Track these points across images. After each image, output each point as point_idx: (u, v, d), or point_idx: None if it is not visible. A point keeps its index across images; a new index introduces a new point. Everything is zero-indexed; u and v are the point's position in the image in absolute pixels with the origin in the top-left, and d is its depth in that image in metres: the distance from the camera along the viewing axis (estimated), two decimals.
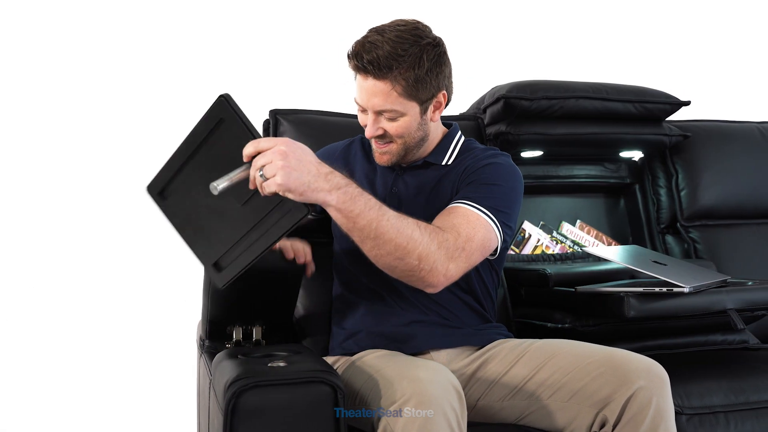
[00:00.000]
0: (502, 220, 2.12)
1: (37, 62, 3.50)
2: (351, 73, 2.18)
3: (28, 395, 3.42)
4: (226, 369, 1.82)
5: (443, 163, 2.30)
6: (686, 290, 2.18)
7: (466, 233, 2.02)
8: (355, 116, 2.80)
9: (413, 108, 2.14)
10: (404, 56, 2.08)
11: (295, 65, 3.71)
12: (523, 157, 3.09)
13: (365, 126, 2.19)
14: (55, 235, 3.48)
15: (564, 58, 4.00)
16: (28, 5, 3.50)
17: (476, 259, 2.07)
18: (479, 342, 2.23)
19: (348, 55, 2.13)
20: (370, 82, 2.10)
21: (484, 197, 2.12)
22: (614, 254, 2.43)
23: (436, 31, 2.22)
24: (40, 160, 3.49)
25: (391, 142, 2.19)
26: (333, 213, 1.87)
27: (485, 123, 3.02)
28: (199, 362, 2.38)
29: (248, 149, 1.78)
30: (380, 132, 2.16)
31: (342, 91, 3.48)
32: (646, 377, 1.87)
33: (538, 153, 3.09)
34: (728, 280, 2.49)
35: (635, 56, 4.12)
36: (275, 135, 2.71)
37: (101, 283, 3.50)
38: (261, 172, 1.75)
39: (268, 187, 1.75)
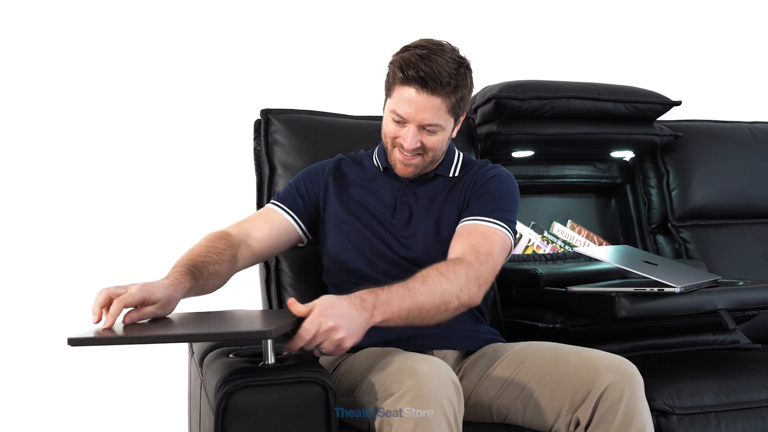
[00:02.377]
0: (512, 228, 2.27)
1: (31, 64, 3.50)
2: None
3: (19, 395, 3.41)
4: (217, 369, 1.82)
5: (450, 175, 2.37)
6: (677, 290, 2.18)
7: (486, 249, 2.14)
8: (346, 116, 2.81)
9: (450, 124, 2.24)
10: (458, 76, 2.17)
11: (286, 65, 3.71)
12: (514, 157, 3.09)
13: (394, 137, 2.23)
14: (46, 234, 3.48)
15: (555, 58, 4.00)
16: (24, 8, 3.49)
17: (500, 263, 2.20)
18: (476, 345, 2.26)
19: (399, 66, 2.16)
20: (424, 97, 2.14)
21: (496, 209, 2.25)
22: (605, 254, 2.42)
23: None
24: (29, 163, 3.48)
25: (420, 155, 2.24)
26: (379, 324, 1.89)
27: (476, 123, 3.02)
28: (190, 362, 2.38)
29: (297, 345, 1.77)
30: (418, 145, 2.20)
31: (334, 92, 3.50)
32: (615, 374, 1.89)
33: (529, 153, 3.09)
34: (719, 280, 2.49)
35: (626, 56, 4.13)
36: (266, 134, 2.71)
37: (92, 283, 3.48)
38: (321, 348, 1.79)
39: (337, 352, 1.81)
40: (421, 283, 1.95)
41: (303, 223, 2.36)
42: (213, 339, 1.76)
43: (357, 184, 2.38)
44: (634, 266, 2.28)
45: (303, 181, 2.40)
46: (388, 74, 2.23)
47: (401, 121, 2.19)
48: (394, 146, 2.25)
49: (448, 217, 2.30)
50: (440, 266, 2.02)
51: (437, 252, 2.20)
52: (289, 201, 2.37)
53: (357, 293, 1.85)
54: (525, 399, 2.02)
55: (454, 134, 2.32)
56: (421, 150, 2.22)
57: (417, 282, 1.95)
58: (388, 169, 2.36)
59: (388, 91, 2.23)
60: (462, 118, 2.30)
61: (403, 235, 2.29)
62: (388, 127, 2.23)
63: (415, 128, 2.18)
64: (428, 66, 2.12)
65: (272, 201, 2.39)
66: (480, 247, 2.13)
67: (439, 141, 2.22)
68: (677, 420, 2.20)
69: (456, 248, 2.16)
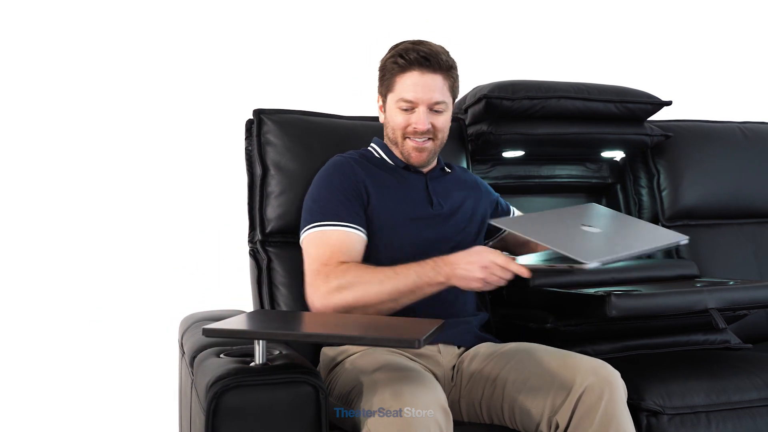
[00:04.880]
0: None
1: (27, 65, 3.50)
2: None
3: (9, 396, 3.40)
4: (208, 369, 1.82)
5: (448, 170, 2.52)
6: (588, 266, 1.89)
7: None
8: (339, 117, 2.81)
9: (451, 104, 2.36)
10: (450, 58, 2.34)
11: (279, 65, 3.71)
12: (504, 157, 3.09)
13: (404, 126, 2.33)
14: (36, 235, 3.47)
15: (546, 58, 4.01)
16: (24, 8, 3.49)
17: None
18: (472, 342, 2.29)
19: (398, 54, 2.29)
20: (428, 76, 2.28)
21: None
22: (514, 224, 2.26)
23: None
24: (20, 163, 3.48)
25: (431, 139, 2.34)
26: None
27: (466, 123, 3.02)
28: (181, 362, 2.37)
29: None
30: (429, 126, 2.30)
31: (327, 92, 3.50)
32: (594, 376, 1.91)
33: (519, 153, 3.09)
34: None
35: (617, 56, 4.13)
36: (258, 134, 2.70)
37: (83, 283, 3.48)
38: None
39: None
40: None
41: (366, 232, 2.29)
42: (365, 342, 1.82)
43: (386, 183, 2.37)
44: (548, 237, 2.05)
45: (346, 189, 2.30)
46: (383, 72, 2.34)
47: (410, 107, 2.29)
48: (405, 137, 2.34)
49: (476, 207, 2.47)
50: None
51: (477, 236, 2.45)
52: (356, 219, 2.27)
53: None
54: (511, 399, 2.03)
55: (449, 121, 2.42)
56: (432, 133, 2.33)
57: None
58: (408, 166, 2.42)
59: (389, 86, 2.33)
60: (452, 106, 2.42)
61: (448, 222, 2.37)
62: (397, 119, 2.32)
63: (425, 109, 2.29)
64: (426, 47, 2.28)
65: (342, 224, 2.25)
66: None
67: (446, 121, 2.37)
68: (668, 420, 2.20)
69: None
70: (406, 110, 2.30)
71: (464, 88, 3.07)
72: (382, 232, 2.31)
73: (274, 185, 2.65)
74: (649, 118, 3.18)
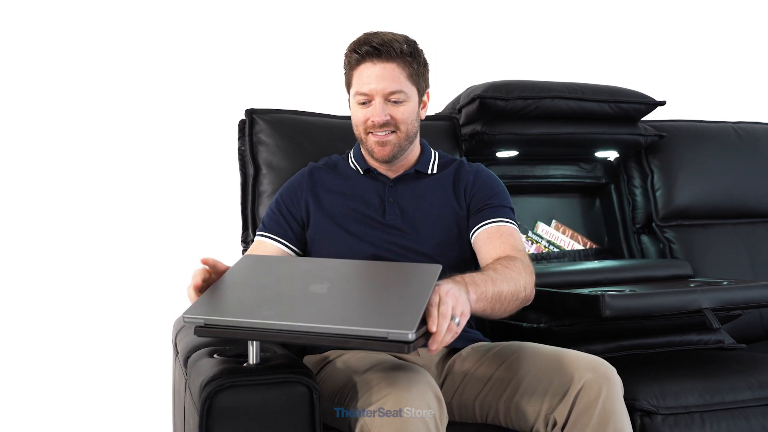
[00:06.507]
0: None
1: (26, 66, 3.49)
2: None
3: (4, 396, 3.39)
4: (202, 369, 1.82)
5: (429, 172, 2.40)
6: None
7: (521, 245, 2.26)
8: (331, 116, 2.81)
9: (415, 94, 2.29)
10: (406, 46, 2.24)
11: (271, 65, 3.70)
12: (498, 157, 3.09)
13: (364, 120, 2.26)
14: (32, 235, 3.46)
15: (539, 58, 4.01)
16: (24, 8, 3.48)
17: None
18: (461, 344, 2.25)
19: (352, 49, 2.25)
20: (380, 66, 2.22)
21: (506, 209, 2.35)
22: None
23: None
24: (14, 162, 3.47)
25: (394, 131, 2.27)
26: (472, 305, 1.87)
27: (460, 123, 3.02)
28: (175, 362, 2.37)
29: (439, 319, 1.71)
30: (387, 118, 2.24)
31: (318, 92, 3.50)
32: (592, 372, 1.89)
33: (513, 153, 3.08)
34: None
35: (611, 56, 4.13)
36: (250, 134, 2.71)
37: (77, 283, 3.47)
38: (457, 320, 1.74)
39: (461, 326, 1.76)
40: (494, 271, 2.02)
41: (294, 245, 2.35)
42: (352, 346, 1.69)
43: (337, 192, 2.38)
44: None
45: (283, 202, 2.39)
46: (344, 69, 2.31)
47: (367, 101, 2.25)
48: (368, 132, 2.28)
49: (436, 215, 2.32)
50: (501, 261, 2.11)
51: (445, 244, 2.30)
52: (275, 228, 2.36)
53: (445, 278, 1.85)
54: (506, 399, 2.02)
55: (422, 115, 2.36)
56: (393, 126, 2.25)
57: (490, 270, 2.02)
58: (369, 171, 2.38)
59: (348, 82, 2.31)
60: (425, 99, 2.36)
61: (401, 233, 2.30)
62: (357, 115, 2.28)
63: (381, 101, 2.23)
64: (378, 38, 2.22)
65: (259, 232, 2.37)
66: (517, 245, 2.23)
67: (407, 112, 2.26)
68: (662, 420, 2.20)
69: (496, 249, 2.22)
70: (363, 104, 2.26)
71: (458, 88, 3.09)
72: (322, 246, 2.33)
73: (266, 184, 2.65)
74: (643, 118, 3.18)
